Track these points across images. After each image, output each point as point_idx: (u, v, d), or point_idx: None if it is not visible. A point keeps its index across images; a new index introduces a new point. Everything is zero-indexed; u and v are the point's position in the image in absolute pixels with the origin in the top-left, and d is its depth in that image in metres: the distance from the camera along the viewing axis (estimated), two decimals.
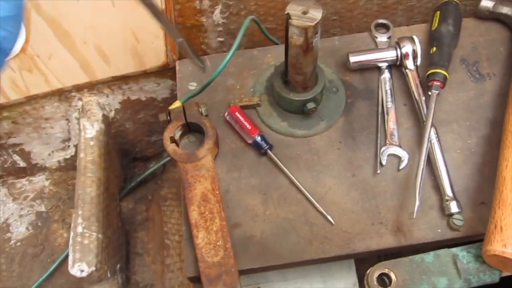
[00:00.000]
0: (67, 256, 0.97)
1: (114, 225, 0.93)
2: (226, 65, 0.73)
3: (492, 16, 0.82)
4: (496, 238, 0.56)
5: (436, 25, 0.78)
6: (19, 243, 1.01)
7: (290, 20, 0.60)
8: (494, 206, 0.60)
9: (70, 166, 1.06)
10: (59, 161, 1.06)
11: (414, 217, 0.64)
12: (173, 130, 0.72)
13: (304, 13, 0.60)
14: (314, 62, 0.67)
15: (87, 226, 0.83)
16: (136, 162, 1.11)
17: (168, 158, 1.04)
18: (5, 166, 1.04)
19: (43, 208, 1.05)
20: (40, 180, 1.07)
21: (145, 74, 0.92)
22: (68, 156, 1.05)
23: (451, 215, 0.66)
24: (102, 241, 0.84)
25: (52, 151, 1.03)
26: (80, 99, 0.94)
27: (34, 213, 1.04)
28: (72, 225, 0.83)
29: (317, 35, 0.62)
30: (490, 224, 0.59)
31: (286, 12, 0.61)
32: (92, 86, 0.92)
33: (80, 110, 0.95)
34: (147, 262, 1.00)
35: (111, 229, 0.90)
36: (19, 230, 1.03)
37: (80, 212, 0.84)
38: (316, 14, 0.60)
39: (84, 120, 0.92)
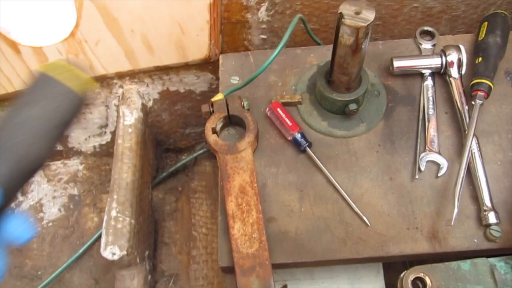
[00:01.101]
0: (96, 239, 0.99)
1: (145, 213, 0.94)
2: (270, 62, 0.74)
3: None
4: None
5: (483, 35, 0.78)
6: (50, 224, 1.03)
7: (342, 20, 0.61)
8: None
9: (104, 152, 1.09)
10: (94, 147, 1.08)
11: (452, 224, 0.64)
12: (215, 121, 0.73)
13: (357, 13, 0.61)
14: (361, 63, 0.68)
15: (121, 211, 0.84)
16: (168, 153, 1.12)
17: (200, 151, 1.05)
18: None
19: (75, 192, 1.07)
20: (75, 164, 1.10)
21: (186, 66, 0.94)
22: (104, 142, 1.07)
23: (488, 225, 0.66)
24: (134, 226, 0.85)
25: (89, 136, 1.05)
26: (121, 86, 0.96)
27: (67, 195, 1.07)
28: (106, 208, 0.85)
29: (367, 37, 0.63)
30: None
31: (339, 11, 0.61)
32: (134, 75, 0.94)
33: (120, 97, 0.96)
34: (174, 252, 1.01)
35: (142, 216, 0.92)
36: (52, 211, 1.05)
37: (115, 197, 0.86)
38: (369, 15, 0.60)
39: (123, 107, 0.94)
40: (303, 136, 0.73)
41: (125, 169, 0.88)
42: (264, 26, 0.90)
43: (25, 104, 0.45)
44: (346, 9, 0.61)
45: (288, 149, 0.74)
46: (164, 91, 0.99)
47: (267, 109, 0.76)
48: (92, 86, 0.46)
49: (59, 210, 1.05)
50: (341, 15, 0.61)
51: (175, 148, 1.12)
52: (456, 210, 0.63)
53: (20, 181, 0.44)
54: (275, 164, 0.73)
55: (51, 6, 0.83)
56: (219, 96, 0.76)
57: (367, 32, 0.62)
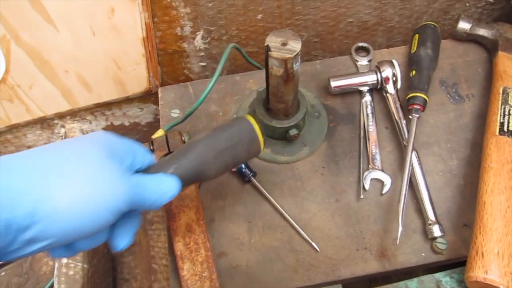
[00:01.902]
0: (52, 285, 0.96)
1: (100, 253, 0.92)
2: (208, 93, 0.73)
3: (469, 38, 0.83)
4: (478, 264, 0.57)
5: (415, 48, 0.79)
6: (3, 273, 1.00)
7: (269, 52, 0.60)
8: (475, 232, 0.60)
9: None
10: None
11: (397, 243, 0.64)
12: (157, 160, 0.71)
13: (284, 44, 0.61)
14: (295, 90, 0.68)
15: (71, 257, 0.82)
16: None
17: None
18: None
19: None
20: None
21: (128, 100, 0.92)
22: None
23: (434, 238, 0.67)
24: (88, 270, 0.83)
25: None
26: (62, 126, 0.93)
27: None
28: None
29: (297, 65, 0.63)
30: (471, 250, 0.59)
31: (265, 44, 0.61)
32: (74, 114, 0.92)
33: (63, 137, 0.94)
34: None
35: (97, 257, 0.89)
36: None
37: None
38: (295, 45, 0.60)
39: None
40: (247, 166, 0.72)
41: None
42: (202, 53, 0.89)
43: (229, 129, 0.55)
44: (272, 41, 0.61)
45: (233, 180, 0.74)
46: (108, 126, 0.97)
47: None
48: (262, 146, 0.57)
49: None
50: (268, 48, 0.61)
51: None
52: (400, 229, 0.64)
53: (188, 183, 0.53)
54: (222, 197, 0.73)
55: None
56: (159, 133, 0.75)
57: (296, 62, 0.62)
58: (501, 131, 0.68)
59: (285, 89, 0.66)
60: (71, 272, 0.81)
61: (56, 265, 0.82)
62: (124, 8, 0.76)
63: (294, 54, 0.60)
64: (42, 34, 0.76)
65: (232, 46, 0.75)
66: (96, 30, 0.78)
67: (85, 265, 0.83)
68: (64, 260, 0.81)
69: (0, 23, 0.72)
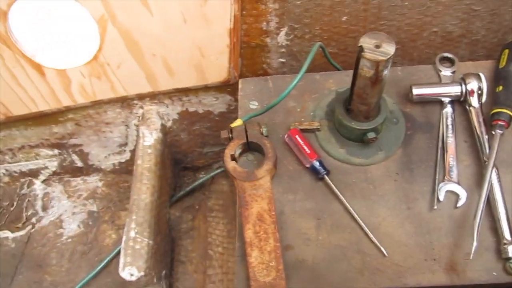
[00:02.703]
0: (114, 256, 1.01)
1: (163, 232, 0.95)
2: (292, 89, 0.74)
3: None
4: None
5: (503, 63, 0.77)
6: (70, 240, 1.05)
7: (362, 53, 0.61)
8: None
9: (124, 169, 1.10)
10: (114, 164, 1.10)
11: (471, 258, 0.63)
12: (234, 148, 0.74)
13: (377, 46, 0.61)
14: (380, 94, 0.68)
15: (139, 232, 0.86)
16: (186, 171, 1.14)
17: (218, 171, 1.06)
18: (64, 164, 1.09)
19: (94, 208, 1.09)
20: (94, 181, 1.12)
21: (205, 88, 0.95)
22: (123, 160, 1.09)
23: (508, 259, 0.65)
24: (152, 247, 0.87)
25: (109, 154, 1.07)
26: (141, 107, 0.98)
27: (86, 212, 1.08)
28: (125, 229, 0.86)
29: (387, 68, 0.63)
30: None
31: (359, 44, 0.61)
32: (154, 96, 0.95)
33: (140, 117, 0.98)
34: (190, 271, 1.02)
35: (160, 235, 0.93)
36: (71, 227, 1.07)
37: (134, 217, 0.87)
38: (389, 48, 0.61)
39: (143, 128, 0.96)
40: (321, 164, 0.73)
41: (144, 190, 0.89)
42: (283, 50, 0.91)
43: None
44: (366, 42, 0.61)
45: (306, 176, 0.75)
46: (183, 112, 1.00)
47: (286, 136, 0.76)
48: None
49: (78, 226, 1.07)
50: (361, 48, 0.61)
51: (192, 166, 1.13)
52: (475, 244, 0.63)
53: None
54: (293, 191, 0.74)
55: (75, 30, 0.85)
56: (238, 122, 0.77)
57: (387, 65, 0.62)
58: None
59: (371, 91, 0.66)
60: (137, 246, 0.84)
61: (124, 238, 0.85)
62: None
63: (387, 57, 0.60)
64: (137, 16, 0.80)
65: (319, 45, 0.76)
66: (188, 17, 0.81)
67: (151, 241, 0.86)
68: (132, 234, 0.85)
69: (101, 2, 0.76)
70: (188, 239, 1.06)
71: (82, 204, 1.09)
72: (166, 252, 0.98)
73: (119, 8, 0.78)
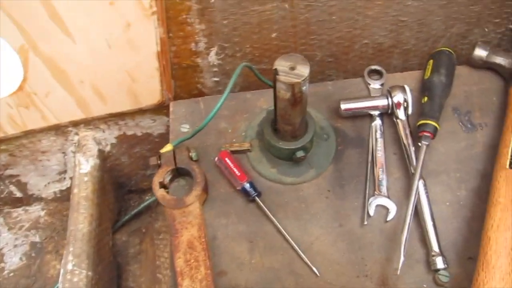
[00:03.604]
0: None
1: (105, 260, 0.93)
2: (217, 111, 0.74)
3: (485, 65, 0.82)
4: None
5: (428, 74, 0.78)
6: (12, 274, 1.02)
7: (277, 76, 0.61)
8: (477, 268, 0.59)
9: (65, 197, 1.08)
10: (55, 192, 1.07)
11: (398, 273, 0.63)
12: (163, 175, 0.72)
13: (292, 68, 0.61)
14: (303, 114, 0.68)
15: (77, 264, 0.83)
16: (131, 194, 1.12)
17: None
18: (1, 196, 1.05)
19: (37, 239, 1.06)
20: (36, 210, 1.09)
21: (141, 111, 0.94)
22: (64, 188, 1.06)
23: (437, 270, 0.66)
24: (92, 278, 0.84)
25: (48, 183, 1.04)
26: (76, 133, 0.95)
27: (29, 243, 1.05)
28: (62, 261, 0.84)
29: (305, 89, 0.63)
30: (472, 287, 0.58)
31: (274, 67, 0.61)
32: (88, 122, 0.93)
33: (76, 144, 0.96)
34: None
35: (102, 264, 0.90)
36: (13, 260, 1.03)
37: (71, 249, 0.85)
38: (304, 70, 0.61)
39: (79, 155, 0.94)
40: (252, 185, 0.72)
41: (81, 220, 0.87)
42: (215, 69, 0.90)
43: None
44: (281, 65, 0.61)
45: (238, 199, 0.74)
46: (121, 136, 0.98)
47: (216, 159, 0.75)
48: None
49: (21, 259, 1.04)
50: (276, 71, 0.61)
51: (137, 189, 1.11)
52: (402, 259, 0.63)
53: None
54: (225, 215, 0.73)
55: None
56: (167, 148, 0.75)
57: (304, 87, 0.62)
58: None
59: (292, 112, 0.66)
60: (75, 279, 0.82)
61: (62, 271, 0.83)
62: (140, 23, 0.77)
63: (302, 79, 0.60)
64: (60, 45, 0.78)
65: (244, 65, 0.76)
66: (112, 43, 0.79)
67: (90, 273, 0.84)
68: (69, 267, 0.83)
69: (19, 33, 0.74)
70: (136, 264, 1.04)
71: (24, 235, 1.06)
72: (111, 280, 0.96)
73: (39, 38, 0.76)
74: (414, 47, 0.93)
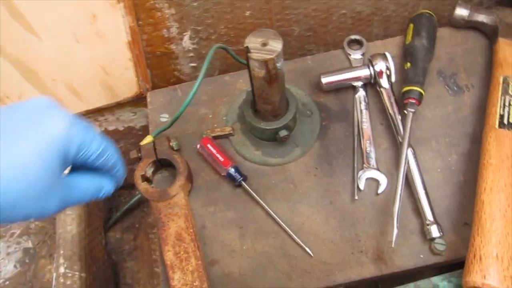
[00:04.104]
0: None
1: (99, 260, 0.91)
2: (193, 96, 0.71)
3: (468, 25, 0.79)
4: (475, 268, 0.54)
5: (409, 39, 0.76)
6: (7, 282, 1.00)
7: (249, 54, 0.58)
8: (473, 233, 0.57)
9: None
10: None
11: (393, 246, 0.62)
12: (144, 168, 0.70)
13: (264, 44, 0.58)
14: (281, 91, 0.65)
15: (69, 266, 0.82)
16: (121, 191, 1.10)
17: None
18: None
19: (30, 244, 1.04)
20: None
21: (120, 105, 0.91)
22: None
23: (432, 239, 0.64)
24: (86, 279, 0.83)
25: None
26: None
27: (22, 250, 1.03)
28: (54, 265, 0.82)
29: (279, 65, 0.60)
30: (469, 253, 0.56)
31: (245, 45, 0.58)
32: None
33: None
34: None
35: (95, 265, 0.89)
36: (7, 268, 1.02)
37: (61, 252, 0.83)
38: (276, 45, 0.58)
39: None
40: (237, 170, 0.70)
41: (69, 222, 0.85)
42: (191, 54, 0.87)
43: None
44: (252, 42, 0.58)
45: (224, 185, 0.72)
46: (102, 132, 0.96)
47: (198, 146, 0.73)
48: None
49: (15, 266, 1.02)
50: (247, 49, 0.58)
51: (127, 184, 1.09)
52: (395, 231, 0.61)
53: None
54: (213, 203, 0.71)
55: None
56: (147, 139, 0.73)
57: (278, 63, 0.59)
58: (501, 124, 0.65)
59: (270, 91, 0.63)
60: (68, 282, 0.81)
61: (54, 275, 0.82)
62: (106, 13, 0.74)
63: (275, 55, 0.57)
64: (26, 44, 0.75)
65: (218, 47, 0.73)
66: (80, 37, 0.76)
67: (83, 274, 0.82)
68: (62, 270, 0.81)
69: None
70: (132, 260, 1.02)
71: (16, 242, 1.04)
72: (107, 279, 0.95)
73: (3, 39, 0.73)
74: (394, 13, 0.90)
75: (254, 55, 0.58)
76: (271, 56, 0.57)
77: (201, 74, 0.70)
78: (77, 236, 0.84)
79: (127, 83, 0.85)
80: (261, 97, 0.65)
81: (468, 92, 0.75)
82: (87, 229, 0.87)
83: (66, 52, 0.78)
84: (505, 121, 0.65)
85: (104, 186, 0.49)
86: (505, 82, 0.69)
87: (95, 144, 0.44)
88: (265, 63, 0.58)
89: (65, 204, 0.44)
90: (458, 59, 0.78)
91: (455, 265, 0.64)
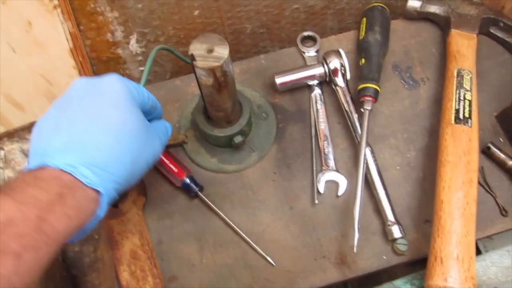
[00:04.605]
0: None
1: (56, 278, 0.87)
2: None
3: (421, 16, 0.78)
4: (437, 271, 0.53)
5: (363, 34, 0.74)
6: None
7: (194, 62, 0.55)
8: (433, 234, 0.57)
9: None
10: None
11: (355, 250, 0.60)
12: None
13: (210, 51, 0.55)
14: (232, 96, 0.62)
15: None
16: None
17: None
18: None
19: None
20: None
21: None
22: None
23: (394, 240, 0.63)
24: None
25: None
26: (1, 148, 0.87)
27: None
28: None
29: (228, 71, 0.57)
30: (430, 255, 0.55)
31: (189, 52, 0.55)
32: (11, 135, 0.86)
33: (3, 160, 0.88)
34: None
35: (52, 283, 0.84)
36: None
37: None
38: (222, 51, 0.55)
39: (8, 172, 0.86)
40: (192, 180, 0.67)
41: None
42: (140, 58, 0.83)
43: None
44: (196, 49, 0.55)
45: (180, 196, 0.69)
46: None
47: None
48: None
49: None
50: (192, 57, 0.55)
51: None
52: (356, 235, 0.60)
53: None
54: (169, 216, 0.68)
55: None
56: None
57: (226, 69, 0.56)
58: (457, 119, 0.64)
59: (220, 98, 0.60)
60: None
61: None
62: (42, 20, 0.69)
63: (221, 62, 0.54)
64: None
65: (160, 48, 0.68)
66: (15, 46, 0.71)
67: None
68: None
69: None
70: (94, 273, 0.98)
71: None
72: None
73: None
74: (347, 5, 0.88)
75: (199, 63, 0.54)
76: (218, 64, 0.54)
77: (143, 78, 0.63)
78: None
79: None
80: (212, 105, 0.62)
81: (424, 86, 0.74)
82: None
83: (2, 63, 0.72)
84: (461, 116, 0.64)
85: (166, 125, 0.59)
86: (459, 75, 0.68)
87: (146, 91, 0.55)
88: (212, 71, 0.55)
89: (162, 144, 0.56)
90: (413, 52, 0.77)
91: (418, 262, 0.64)
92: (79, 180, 0.44)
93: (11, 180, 0.44)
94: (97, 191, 0.45)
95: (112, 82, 0.50)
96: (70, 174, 0.43)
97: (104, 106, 0.48)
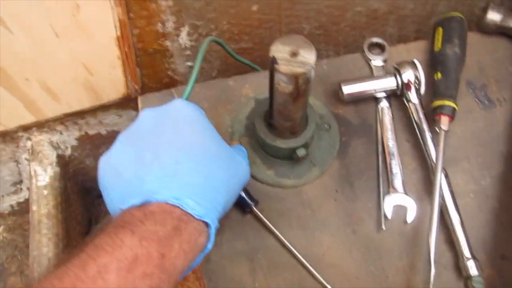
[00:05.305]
0: None
1: None
2: (188, 97, 0.59)
3: (499, 31, 0.72)
4: None
5: (439, 45, 0.67)
6: None
7: (276, 65, 0.48)
8: None
9: (25, 209, 0.93)
10: (11, 206, 0.93)
11: (431, 287, 0.54)
12: None
13: (294, 54, 0.49)
14: (305, 107, 0.56)
15: None
16: (101, 199, 0.98)
17: None
18: None
19: None
20: None
21: (104, 107, 0.80)
22: (21, 200, 0.92)
23: (469, 277, 0.57)
24: None
25: (3, 196, 0.90)
26: (28, 138, 0.81)
27: None
28: None
29: (310, 81, 0.51)
30: None
31: (271, 54, 0.49)
32: (41, 125, 0.79)
33: (30, 151, 0.81)
34: None
35: None
36: None
37: (36, 278, 0.72)
38: (309, 56, 0.48)
39: (34, 165, 0.79)
40: (247, 193, 0.61)
41: (44, 242, 0.74)
42: (188, 52, 0.76)
43: None
44: (279, 51, 0.49)
45: (231, 211, 0.62)
46: (82, 136, 0.84)
47: None
48: None
49: None
50: (273, 59, 0.48)
51: None
52: (433, 271, 0.54)
53: None
54: (219, 232, 0.60)
55: None
56: None
57: (309, 77, 0.50)
58: None
59: (293, 107, 0.54)
60: None
61: None
62: (92, 4, 0.63)
63: (307, 68, 0.48)
64: None
65: (211, 40, 0.61)
66: (59, 30, 0.64)
67: None
68: None
69: None
70: None
71: None
72: None
73: None
74: (411, 12, 0.82)
75: (282, 67, 0.48)
76: (303, 70, 0.48)
77: (195, 71, 0.57)
78: (54, 259, 0.73)
79: (113, 83, 0.74)
80: (282, 114, 0.56)
81: (500, 107, 0.68)
82: (66, 249, 0.76)
83: (42, 48, 0.66)
84: None
85: (240, 145, 0.60)
86: None
87: None
88: (295, 77, 0.49)
89: (248, 164, 0.54)
90: (488, 69, 0.71)
91: None
92: (188, 213, 0.41)
93: (117, 217, 0.39)
94: (205, 223, 0.43)
95: (181, 108, 0.49)
96: (179, 207, 0.40)
97: (183, 134, 0.46)
